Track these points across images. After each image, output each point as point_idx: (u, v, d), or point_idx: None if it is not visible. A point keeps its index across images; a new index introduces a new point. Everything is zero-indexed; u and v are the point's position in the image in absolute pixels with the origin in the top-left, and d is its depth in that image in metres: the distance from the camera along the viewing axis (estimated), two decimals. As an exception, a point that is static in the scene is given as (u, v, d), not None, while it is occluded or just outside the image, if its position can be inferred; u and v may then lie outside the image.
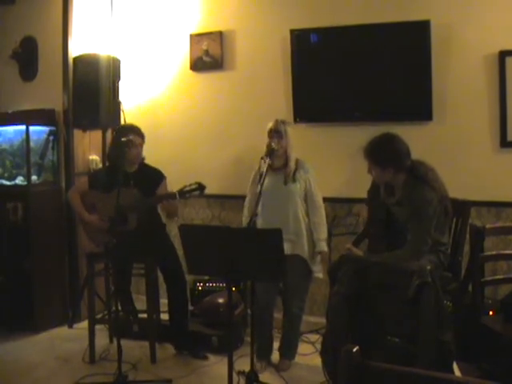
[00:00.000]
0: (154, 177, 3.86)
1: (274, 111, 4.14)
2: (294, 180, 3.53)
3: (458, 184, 3.20)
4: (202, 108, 4.55)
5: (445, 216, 3.06)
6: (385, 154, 3.03)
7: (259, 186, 3.41)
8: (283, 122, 3.61)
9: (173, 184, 3.86)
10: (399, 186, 3.08)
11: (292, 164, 3.54)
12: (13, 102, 4.63)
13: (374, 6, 3.93)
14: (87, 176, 4.14)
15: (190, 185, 3.52)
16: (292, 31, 4.09)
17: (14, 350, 3.88)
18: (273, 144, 3.47)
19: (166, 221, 4.05)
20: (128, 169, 3.75)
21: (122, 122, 3.99)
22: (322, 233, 3.54)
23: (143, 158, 3.89)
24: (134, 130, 3.80)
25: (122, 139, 3.55)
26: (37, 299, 4.22)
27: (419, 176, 3.01)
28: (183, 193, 3.52)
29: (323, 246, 3.54)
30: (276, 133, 3.53)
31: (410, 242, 2.99)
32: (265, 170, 3.37)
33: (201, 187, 3.52)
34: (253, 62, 4.36)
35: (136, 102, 4.69)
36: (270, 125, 3.57)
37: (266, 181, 3.45)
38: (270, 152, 3.46)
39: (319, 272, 3.59)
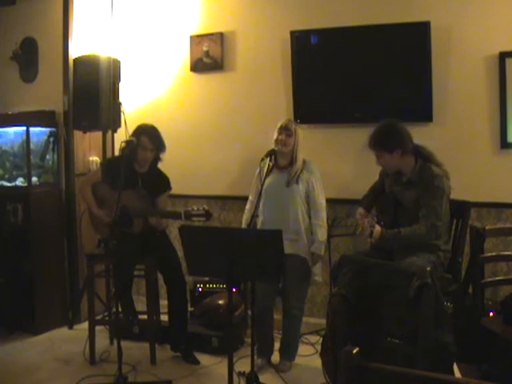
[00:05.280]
0: (160, 184, 3.82)
1: (275, 112, 4.15)
2: (297, 181, 3.53)
3: (458, 185, 3.19)
4: (202, 109, 4.55)
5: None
6: (389, 138, 3.11)
7: (260, 187, 3.41)
8: (294, 122, 3.65)
9: (173, 184, 3.87)
10: (407, 168, 3.13)
11: (298, 165, 3.55)
12: (13, 104, 4.63)
13: (374, 7, 3.93)
14: (101, 166, 4.09)
15: (198, 209, 3.49)
16: (292, 32, 4.09)
17: (14, 352, 3.88)
18: (280, 138, 3.50)
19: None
20: (138, 169, 3.75)
21: (123, 124, 3.98)
22: (321, 235, 3.53)
23: (156, 162, 3.82)
24: (148, 133, 3.69)
25: (130, 138, 3.50)
26: (37, 300, 4.22)
27: (425, 156, 3.13)
28: (189, 215, 3.49)
29: (319, 249, 3.52)
30: (286, 130, 3.55)
31: (423, 216, 3.02)
32: (265, 170, 3.37)
33: (207, 214, 3.47)
34: (253, 64, 4.36)
35: (136, 103, 4.69)
36: (281, 122, 3.59)
37: (269, 179, 3.49)
38: (270, 153, 3.47)
39: (318, 275, 3.59)
